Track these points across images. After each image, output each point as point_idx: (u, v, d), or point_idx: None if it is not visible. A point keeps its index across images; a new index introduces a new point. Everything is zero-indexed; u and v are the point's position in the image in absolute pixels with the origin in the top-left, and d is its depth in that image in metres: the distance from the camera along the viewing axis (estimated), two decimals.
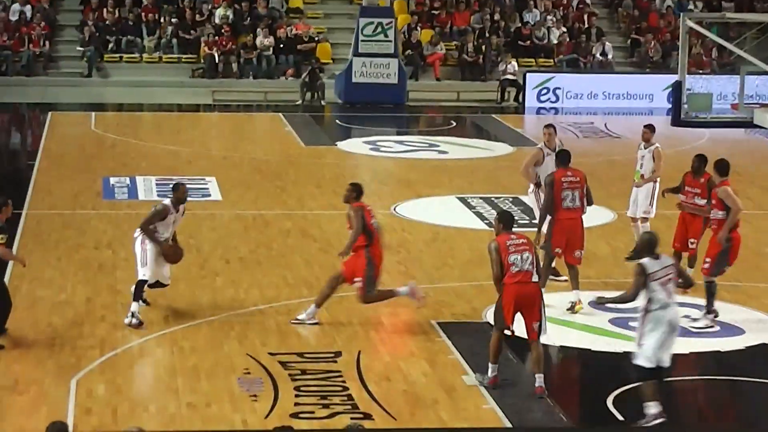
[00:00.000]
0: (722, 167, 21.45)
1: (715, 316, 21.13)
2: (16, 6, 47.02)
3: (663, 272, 16.80)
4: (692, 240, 22.81)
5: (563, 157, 22.58)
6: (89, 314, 21.25)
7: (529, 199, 24.57)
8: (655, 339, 16.66)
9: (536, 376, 18.17)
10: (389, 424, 16.89)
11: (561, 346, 20.29)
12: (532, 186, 24.05)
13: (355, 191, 20.75)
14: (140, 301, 20.61)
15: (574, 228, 22.27)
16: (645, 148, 25.03)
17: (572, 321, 21.34)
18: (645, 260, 16.89)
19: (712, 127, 34.10)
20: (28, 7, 47.17)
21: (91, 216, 27.59)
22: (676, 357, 20.03)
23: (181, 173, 31.82)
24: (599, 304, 18.93)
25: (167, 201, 21.03)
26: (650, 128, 25.42)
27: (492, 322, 18.21)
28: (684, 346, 20.41)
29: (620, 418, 17.56)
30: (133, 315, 20.49)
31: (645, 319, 16.80)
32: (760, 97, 33.21)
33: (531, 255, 17.95)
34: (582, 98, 45.06)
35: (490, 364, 18.01)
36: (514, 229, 18.25)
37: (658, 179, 24.61)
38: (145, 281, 20.55)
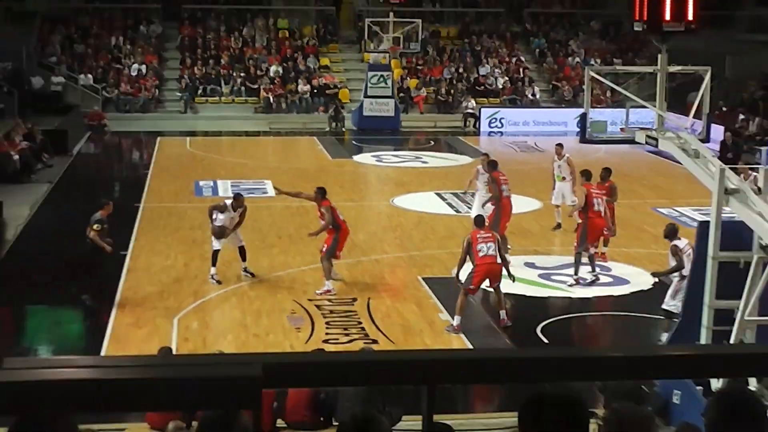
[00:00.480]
0: (586, 173, 21.79)
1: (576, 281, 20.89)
2: (135, 65, 46.98)
3: (685, 248, 16.96)
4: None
5: (494, 164, 22.75)
6: (186, 274, 21.29)
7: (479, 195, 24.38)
8: (683, 295, 16.71)
9: (500, 312, 18.26)
10: (389, 346, 16.95)
11: (504, 293, 20.31)
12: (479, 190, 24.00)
13: (320, 193, 20.56)
14: (215, 266, 20.67)
15: (510, 209, 22.49)
16: (559, 160, 25.26)
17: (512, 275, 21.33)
18: (677, 242, 17.09)
19: (607, 143, 34.13)
20: (144, 66, 47.12)
21: (187, 207, 27.59)
22: (583, 300, 20.12)
23: (247, 178, 31.84)
24: (655, 276, 18.76)
25: (229, 202, 21.13)
26: (560, 146, 25.86)
27: (461, 283, 18.19)
28: (588, 292, 20.52)
29: (545, 341, 17.61)
30: (212, 276, 20.60)
31: (681, 282, 16.75)
32: (639, 123, 33.20)
33: (494, 244, 18.08)
34: (519, 125, 44.92)
35: (456, 316, 18.01)
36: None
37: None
38: (217, 250, 20.66)
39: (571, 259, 21.73)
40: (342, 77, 49.06)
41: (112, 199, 20.99)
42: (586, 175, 21.72)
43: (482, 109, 45.58)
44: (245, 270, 21.08)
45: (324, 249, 20.16)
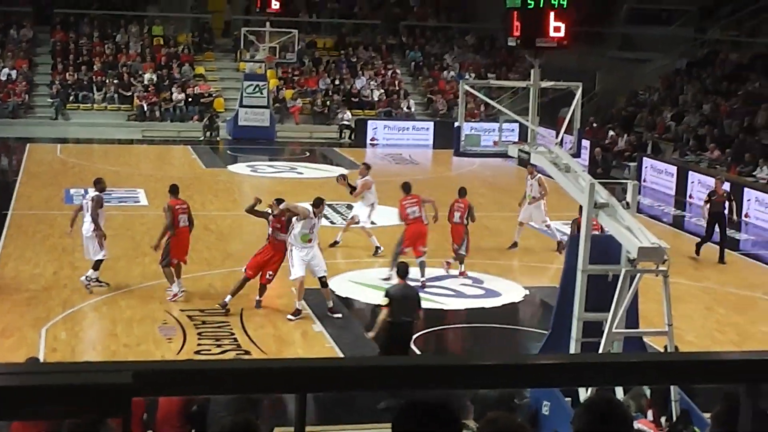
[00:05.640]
0: (405, 186, 22.67)
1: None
2: (5, 70, 46.06)
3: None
4: None
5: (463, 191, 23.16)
6: (56, 283, 20.94)
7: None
8: None
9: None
10: (262, 356, 16.90)
11: (377, 305, 20.39)
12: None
13: (170, 190, 20.67)
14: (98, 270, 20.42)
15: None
16: (362, 178, 25.06)
17: (384, 286, 21.41)
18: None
19: (480, 156, 34.53)
20: (14, 70, 46.25)
21: (57, 215, 27.08)
22: (455, 311, 20.27)
23: (119, 186, 31.38)
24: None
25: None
26: (366, 166, 25.79)
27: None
28: (461, 304, 20.69)
29: (418, 352, 17.70)
30: (94, 280, 20.34)
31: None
32: (511, 137, 33.73)
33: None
34: (394, 137, 45.25)
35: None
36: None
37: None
38: (101, 260, 20.38)
39: (443, 271, 22.03)
40: (217, 86, 48.81)
41: None
42: (405, 188, 22.61)
43: (358, 121, 45.72)
44: (95, 278, 20.53)
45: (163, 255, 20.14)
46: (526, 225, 25.60)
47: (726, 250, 24.78)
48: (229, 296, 19.50)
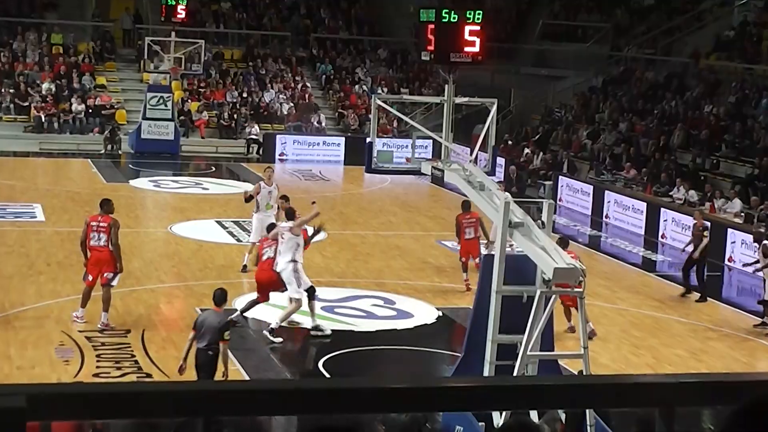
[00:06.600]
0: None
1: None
2: None
3: None
4: None
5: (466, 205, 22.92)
6: None
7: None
8: None
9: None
10: (163, 379, 16.74)
11: (287, 325, 20.31)
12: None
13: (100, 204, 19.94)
14: None
15: None
16: (269, 186, 24.38)
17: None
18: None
19: (393, 173, 34.63)
20: None
21: None
22: (366, 333, 20.29)
23: (15, 201, 30.96)
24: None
25: None
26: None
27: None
28: (372, 326, 20.71)
29: (327, 375, 17.69)
30: None
31: None
32: (425, 154, 33.89)
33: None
34: (303, 152, 45.17)
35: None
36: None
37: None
38: None
39: (353, 291, 22.02)
40: (119, 97, 48.37)
41: None
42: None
43: (266, 136, 45.61)
44: None
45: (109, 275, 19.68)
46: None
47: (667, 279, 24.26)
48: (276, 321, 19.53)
